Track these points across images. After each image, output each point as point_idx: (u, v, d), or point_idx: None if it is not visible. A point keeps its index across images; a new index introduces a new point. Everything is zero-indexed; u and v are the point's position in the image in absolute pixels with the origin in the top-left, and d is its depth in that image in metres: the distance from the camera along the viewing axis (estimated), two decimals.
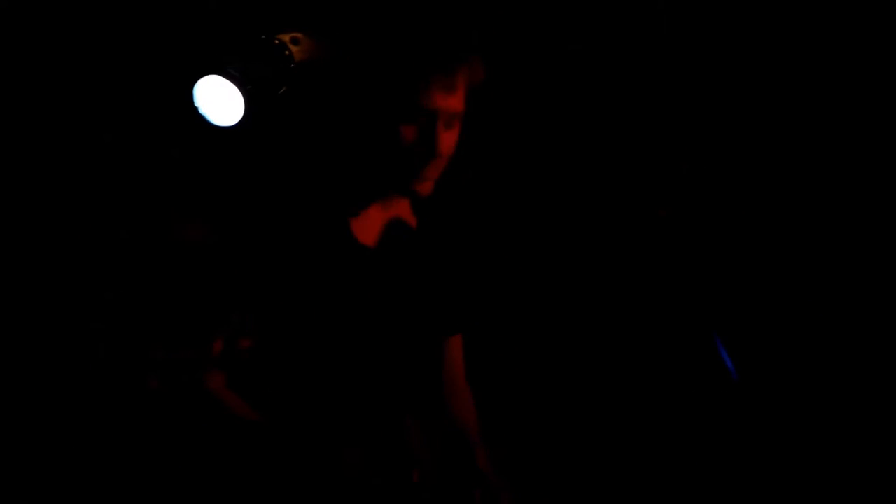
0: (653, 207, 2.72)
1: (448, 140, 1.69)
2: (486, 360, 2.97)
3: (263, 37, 2.83)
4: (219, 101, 2.89)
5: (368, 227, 1.80)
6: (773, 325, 2.75)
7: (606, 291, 3.05)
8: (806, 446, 2.60)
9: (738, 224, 2.84)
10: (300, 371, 1.66)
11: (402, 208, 1.86)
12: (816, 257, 2.80)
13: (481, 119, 1.84)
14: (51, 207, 3.34)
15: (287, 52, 2.88)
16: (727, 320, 2.61)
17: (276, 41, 2.85)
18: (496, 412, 2.74)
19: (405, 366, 1.79)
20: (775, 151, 2.85)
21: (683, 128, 2.93)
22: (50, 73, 3.07)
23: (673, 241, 2.73)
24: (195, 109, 2.91)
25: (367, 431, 1.56)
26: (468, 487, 1.65)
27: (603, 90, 2.95)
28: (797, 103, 2.82)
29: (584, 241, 3.06)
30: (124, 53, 3.03)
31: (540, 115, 3.04)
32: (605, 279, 3.05)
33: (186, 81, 2.89)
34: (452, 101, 1.66)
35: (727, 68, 2.85)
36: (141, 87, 3.06)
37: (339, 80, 1.77)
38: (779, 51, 2.80)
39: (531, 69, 2.94)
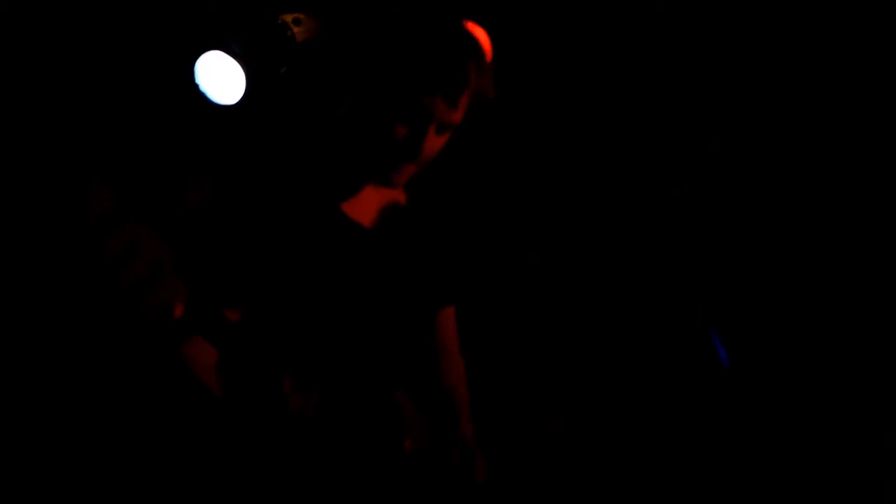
0: (667, 187, 2.73)
1: (435, 144, 1.69)
2: (480, 334, 3.01)
3: (266, 16, 2.84)
4: (220, 79, 2.89)
5: (361, 205, 1.81)
6: (774, 315, 2.74)
7: (605, 269, 3.06)
8: (798, 439, 2.60)
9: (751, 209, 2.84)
10: (292, 344, 1.67)
11: (394, 188, 1.86)
12: (824, 248, 2.79)
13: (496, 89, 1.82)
14: (50, 182, 3.35)
15: (289, 33, 2.88)
16: (726, 307, 2.61)
17: (279, 21, 2.85)
18: (486, 386, 2.76)
19: (398, 337, 1.80)
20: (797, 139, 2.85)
21: (706, 110, 2.93)
22: (51, 50, 3.07)
23: (683, 222, 2.73)
24: (196, 87, 2.91)
25: (359, 404, 1.57)
26: (448, 451, 1.67)
27: (626, 67, 2.95)
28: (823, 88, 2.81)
29: (588, 218, 3.07)
30: (126, 31, 3.03)
31: (557, 91, 3.05)
32: (605, 257, 3.06)
33: (188, 59, 2.90)
34: (452, 114, 1.65)
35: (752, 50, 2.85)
36: (143, 65, 3.06)
37: (340, 64, 1.77)
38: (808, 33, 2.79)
39: (550, 42, 2.94)
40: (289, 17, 2.86)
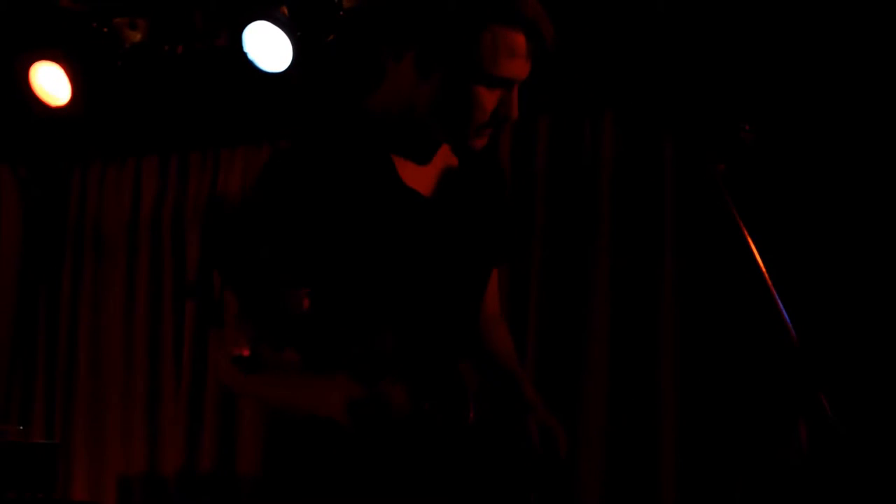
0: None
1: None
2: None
3: None
4: (267, 47, 2.91)
5: (418, 171, 1.80)
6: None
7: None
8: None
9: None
10: (348, 313, 1.67)
11: (446, 154, 1.86)
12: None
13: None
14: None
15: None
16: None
17: None
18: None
19: (456, 306, 1.80)
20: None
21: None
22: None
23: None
24: (244, 55, 2.93)
25: (419, 374, 1.58)
26: (520, 418, 1.68)
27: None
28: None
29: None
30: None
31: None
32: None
33: (236, 27, 2.91)
34: (528, 69, 1.64)
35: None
36: (191, 34, 3.09)
37: (395, 33, 1.74)
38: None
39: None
40: None
